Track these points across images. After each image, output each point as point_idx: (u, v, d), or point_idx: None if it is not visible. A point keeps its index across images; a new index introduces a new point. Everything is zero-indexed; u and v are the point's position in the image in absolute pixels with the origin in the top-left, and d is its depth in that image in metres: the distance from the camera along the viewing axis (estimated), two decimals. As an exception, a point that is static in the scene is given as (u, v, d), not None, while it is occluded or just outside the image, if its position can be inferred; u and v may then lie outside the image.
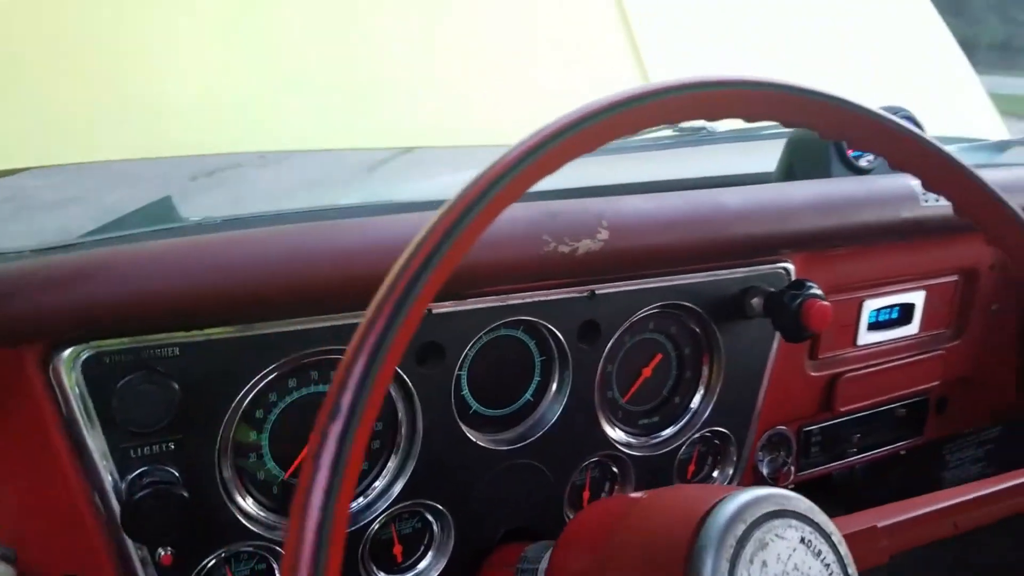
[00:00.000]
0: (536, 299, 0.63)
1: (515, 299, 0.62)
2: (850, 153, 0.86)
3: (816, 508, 0.43)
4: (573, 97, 0.37)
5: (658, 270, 0.68)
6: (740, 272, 0.73)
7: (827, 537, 0.42)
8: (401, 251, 0.31)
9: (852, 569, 0.42)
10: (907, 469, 1.09)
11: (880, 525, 0.49)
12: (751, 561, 0.39)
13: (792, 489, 0.47)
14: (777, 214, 0.71)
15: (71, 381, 0.50)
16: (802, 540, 0.41)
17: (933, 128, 1.39)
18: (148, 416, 0.51)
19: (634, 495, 0.52)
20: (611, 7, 1.07)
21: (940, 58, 1.67)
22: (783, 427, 0.86)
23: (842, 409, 0.88)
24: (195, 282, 0.51)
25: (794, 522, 0.41)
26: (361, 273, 0.53)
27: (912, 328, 0.92)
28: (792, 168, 0.88)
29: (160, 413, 0.51)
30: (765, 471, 0.86)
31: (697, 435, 0.77)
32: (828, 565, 0.41)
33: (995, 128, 1.66)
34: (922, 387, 0.94)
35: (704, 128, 0.97)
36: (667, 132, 0.96)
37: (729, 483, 0.82)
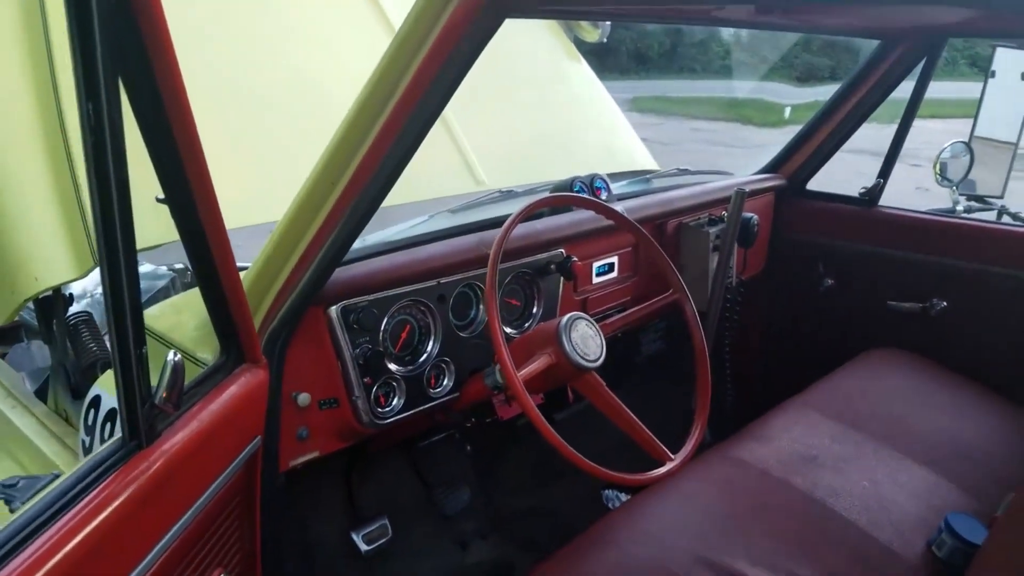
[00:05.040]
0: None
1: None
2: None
3: (588, 317, 1.43)
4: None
5: (512, 260, 1.67)
6: (543, 255, 1.72)
7: (590, 322, 1.42)
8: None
9: (601, 332, 1.43)
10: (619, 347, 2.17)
11: (608, 321, 1.49)
12: (574, 329, 1.38)
13: None
14: (556, 230, 1.73)
15: (336, 317, 1.36)
16: (588, 325, 1.41)
17: (612, 167, 2.48)
18: (366, 324, 1.38)
19: (535, 328, 1.51)
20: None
21: (608, 118, 2.76)
22: None
23: (590, 312, 1.92)
24: (375, 281, 1.40)
25: (583, 320, 1.41)
26: (431, 267, 1.47)
27: (615, 273, 1.97)
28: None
29: (370, 324, 1.39)
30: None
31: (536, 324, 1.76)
32: (594, 330, 1.41)
33: (642, 154, 2.78)
34: (622, 299, 2.01)
35: (512, 190, 1.98)
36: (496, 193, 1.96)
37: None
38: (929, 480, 1.57)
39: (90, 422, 1.49)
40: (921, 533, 1.41)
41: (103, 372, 1.60)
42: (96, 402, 1.46)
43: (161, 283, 2.08)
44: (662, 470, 1.33)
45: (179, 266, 2.06)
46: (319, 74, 1.90)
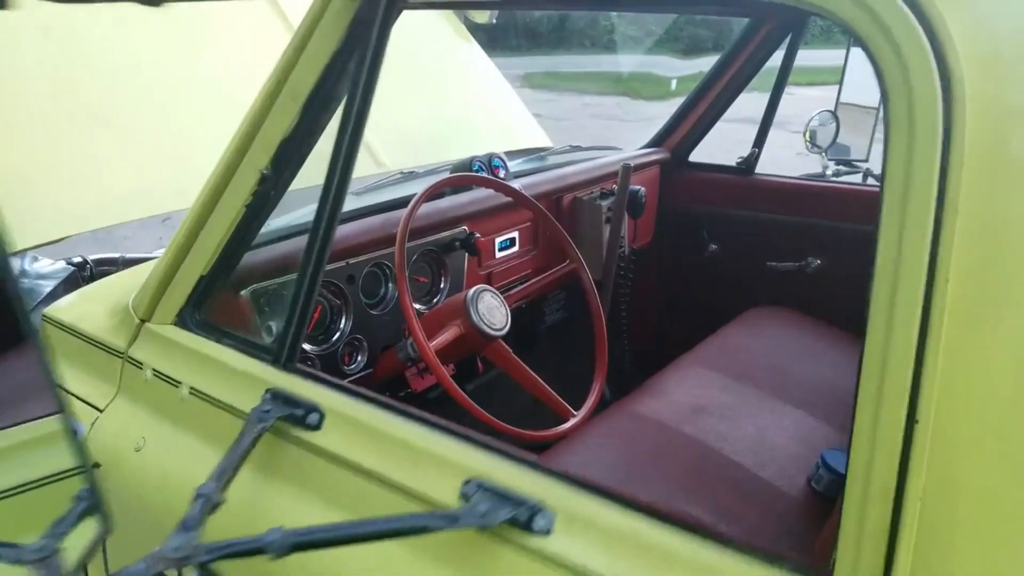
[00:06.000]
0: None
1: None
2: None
3: (494, 289, 1.52)
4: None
5: (418, 239, 1.73)
6: (448, 233, 1.79)
7: (495, 294, 1.50)
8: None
9: (506, 303, 1.51)
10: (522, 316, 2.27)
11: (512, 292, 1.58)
12: (480, 300, 1.46)
13: None
14: (459, 208, 1.80)
15: (247, 301, 1.40)
16: (492, 296, 1.49)
17: (507, 144, 2.58)
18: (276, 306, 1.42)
19: (444, 301, 1.58)
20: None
21: (501, 97, 2.85)
22: None
23: (495, 285, 2.00)
24: (284, 264, 1.44)
25: (488, 292, 1.49)
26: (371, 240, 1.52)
27: (516, 247, 2.06)
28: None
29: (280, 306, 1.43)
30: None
31: (444, 299, 1.83)
32: (498, 300, 1.50)
33: (535, 131, 2.88)
34: (524, 272, 2.10)
35: (414, 171, 2.03)
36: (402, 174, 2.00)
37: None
38: (807, 422, 1.73)
39: None
40: (801, 470, 1.56)
41: None
42: None
43: (60, 277, 2.04)
44: (566, 425, 1.44)
45: (77, 259, 2.02)
46: (218, 68, 1.90)
